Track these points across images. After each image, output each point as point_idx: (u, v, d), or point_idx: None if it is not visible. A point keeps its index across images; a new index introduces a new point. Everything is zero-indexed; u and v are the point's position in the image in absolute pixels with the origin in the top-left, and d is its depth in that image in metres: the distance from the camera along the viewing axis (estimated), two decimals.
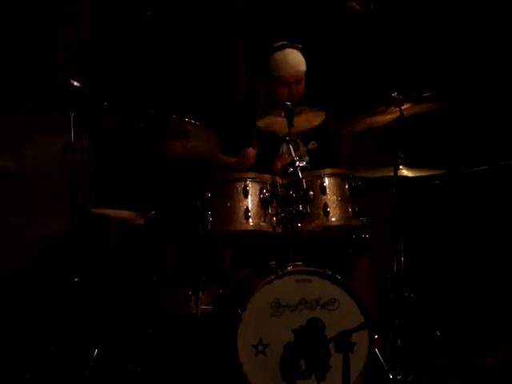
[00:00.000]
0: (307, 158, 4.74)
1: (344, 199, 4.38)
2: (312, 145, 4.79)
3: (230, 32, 6.21)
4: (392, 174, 4.52)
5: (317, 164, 4.69)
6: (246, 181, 4.33)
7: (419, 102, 4.50)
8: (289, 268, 4.16)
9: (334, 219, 4.35)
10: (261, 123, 4.53)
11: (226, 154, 4.81)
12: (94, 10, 5.65)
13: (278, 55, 4.84)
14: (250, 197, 4.32)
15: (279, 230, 4.32)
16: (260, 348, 4.06)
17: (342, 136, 5.09)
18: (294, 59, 4.84)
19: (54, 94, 4.61)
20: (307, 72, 4.87)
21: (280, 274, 4.13)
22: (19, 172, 5.40)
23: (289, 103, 4.40)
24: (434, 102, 4.54)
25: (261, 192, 4.33)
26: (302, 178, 4.24)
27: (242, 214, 4.30)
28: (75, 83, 4.58)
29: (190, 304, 4.36)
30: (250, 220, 4.29)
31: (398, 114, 4.49)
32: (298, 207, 4.25)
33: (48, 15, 5.51)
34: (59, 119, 4.78)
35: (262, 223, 4.31)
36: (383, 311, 4.51)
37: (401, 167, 4.57)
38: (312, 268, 4.19)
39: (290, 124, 4.37)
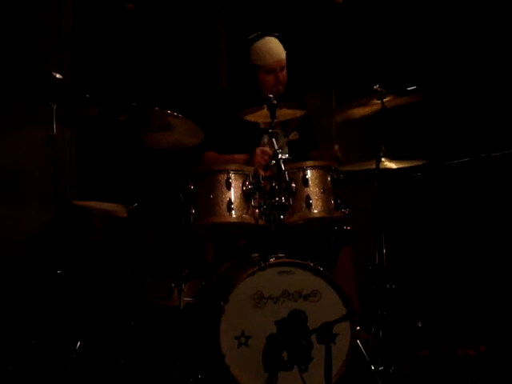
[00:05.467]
0: (286, 149, 4.76)
1: (326, 191, 4.39)
2: (293, 136, 4.82)
3: (212, 24, 6.21)
4: (374, 166, 4.53)
5: (301, 154, 4.71)
6: (228, 173, 4.33)
7: (402, 95, 4.52)
8: (271, 260, 4.17)
9: (316, 211, 4.36)
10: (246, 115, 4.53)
11: (211, 144, 4.80)
12: (77, 2, 5.63)
13: (260, 44, 4.87)
14: (232, 189, 4.32)
15: (262, 222, 4.32)
16: (242, 340, 4.07)
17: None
18: (276, 46, 4.88)
19: (36, 87, 4.60)
20: (289, 63, 4.90)
21: (262, 265, 4.14)
22: (0, 165, 5.38)
23: (271, 96, 4.41)
24: (416, 94, 4.56)
25: (243, 184, 4.33)
26: (285, 170, 4.25)
27: (224, 206, 4.30)
28: (57, 75, 4.57)
29: (172, 296, 4.36)
30: (233, 212, 4.29)
31: (379, 106, 4.50)
32: (281, 199, 4.26)
33: (30, 7, 5.49)
34: (41, 112, 4.77)
35: (245, 215, 4.31)
36: (365, 303, 4.53)
37: (382, 159, 4.58)
38: (294, 260, 4.20)
39: (273, 117, 4.37)
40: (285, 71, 4.89)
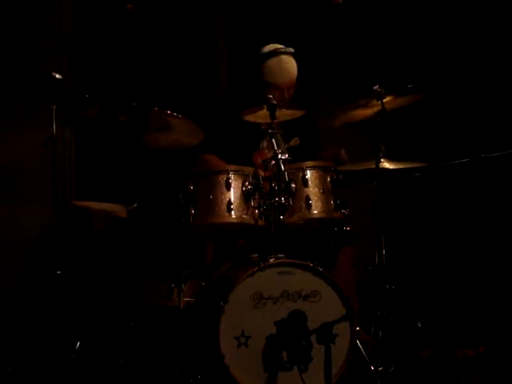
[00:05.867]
0: (287, 155, 4.75)
1: (326, 192, 4.40)
2: (294, 142, 4.83)
3: (212, 24, 6.21)
4: (373, 166, 4.54)
5: (302, 155, 4.71)
6: (228, 173, 4.33)
7: (401, 94, 4.53)
8: (271, 260, 4.17)
9: (315, 212, 4.37)
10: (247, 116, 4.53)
11: (211, 145, 4.80)
12: (76, 2, 5.63)
13: (274, 62, 4.84)
14: (232, 189, 4.32)
15: (261, 222, 4.33)
16: (242, 340, 4.08)
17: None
18: (290, 67, 4.85)
19: (36, 87, 4.60)
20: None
21: (262, 266, 4.14)
22: (0, 165, 5.38)
23: (271, 96, 4.41)
24: (416, 94, 4.57)
25: (243, 184, 4.34)
26: (285, 170, 4.26)
27: (224, 206, 4.30)
28: (57, 75, 4.57)
29: (172, 296, 4.37)
30: (233, 212, 4.30)
31: (379, 107, 4.51)
32: (281, 200, 4.26)
33: (30, 7, 5.49)
34: (41, 112, 4.77)
35: (245, 216, 4.32)
36: (365, 303, 4.53)
37: (382, 160, 4.59)
38: (294, 260, 4.20)
39: (273, 117, 4.38)
40: (292, 90, 4.88)
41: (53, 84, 4.54)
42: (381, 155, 4.55)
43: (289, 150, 4.80)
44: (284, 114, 4.47)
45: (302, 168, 4.40)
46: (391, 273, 4.52)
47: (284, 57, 4.85)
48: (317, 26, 6.17)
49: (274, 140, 4.37)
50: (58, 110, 4.58)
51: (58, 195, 4.64)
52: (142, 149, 4.62)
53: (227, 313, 4.06)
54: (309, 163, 4.43)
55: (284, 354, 4.07)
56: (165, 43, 5.99)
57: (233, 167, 4.39)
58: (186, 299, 4.32)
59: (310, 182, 4.39)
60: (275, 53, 4.85)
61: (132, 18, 5.17)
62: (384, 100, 4.49)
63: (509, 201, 5.65)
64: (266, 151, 4.76)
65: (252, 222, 4.32)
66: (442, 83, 5.84)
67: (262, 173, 4.39)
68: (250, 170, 4.38)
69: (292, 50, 4.86)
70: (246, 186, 4.33)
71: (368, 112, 4.58)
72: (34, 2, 5.53)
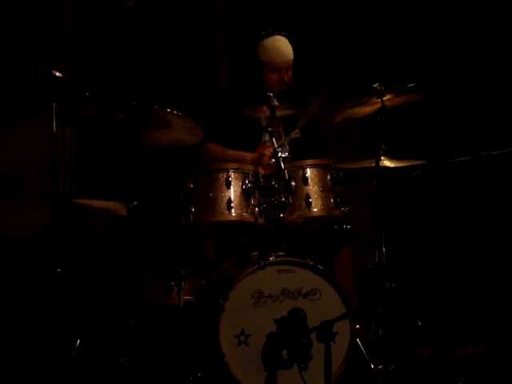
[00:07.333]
0: (287, 147, 4.76)
1: (326, 190, 4.40)
2: (295, 134, 4.83)
3: (212, 24, 6.21)
4: (373, 164, 4.54)
5: (302, 153, 4.70)
6: (228, 171, 4.34)
7: (401, 92, 4.53)
8: (271, 258, 4.18)
9: (315, 210, 4.37)
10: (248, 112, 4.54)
11: (213, 140, 4.81)
12: (77, 0, 5.64)
13: (269, 41, 4.88)
14: (232, 187, 4.33)
15: (261, 220, 4.33)
16: (242, 338, 4.08)
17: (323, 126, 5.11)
18: (285, 46, 4.89)
19: (36, 85, 4.60)
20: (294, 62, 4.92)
21: (262, 264, 4.14)
22: (1, 163, 5.39)
23: (271, 94, 4.42)
24: (416, 93, 4.57)
25: (243, 183, 4.35)
26: (285, 168, 4.26)
27: (224, 204, 4.31)
28: (57, 74, 4.57)
29: (172, 295, 4.37)
30: (233, 211, 4.30)
31: (379, 104, 4.51)
32: (281, 198, 4.26)
33: (29, 5, 5.50)
34: (41, 110, 4.77)
35: (245, 214, 4.32)
36: (365, 301, 4.53)
37: (382, 158, 4.59)
38: (294, 258, 4.21)
39: (273, 116, 4.38)
40: (290, 72, 4.90)
41: (53, 82, 4.54)
42: (381, 153, 4.55)
43: (290, 143, 4.81)
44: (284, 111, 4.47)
45: (302, 166, 4.40)
46: (391, 271, 4.52)
47: (278, 37, 4.89)
48: (318, 25, 6.17)
49: (274, 138, 4.37)
50: (58, 108, 4.58)
51: (58, 193, 4.64)
52: (142, 147, 4.62)
53: (227, 311, 4.07)
54: (309, 161, 4.44)
55: (284, 352, 4.07)
56: (165, 42, 5.99)
57: (233, 165, 4.39)
58: (185, 297, 4.33)
59: (309, 180, 4.39)
60: (269, 33, 4.89)
61: (132, 16, 5.17)
62: (384, 98, 4.49)
63: (509, 199, 5.65)
64: (269, 144, 4.74)
65: (252, 220, 4.33)
66: (442, 81, 5.84)
67: (261, 171, 4.39)
68: (249, 167, 4.39)
69: (286, 33, 4.90)
70: (246, 184, 4.34)
71: (368, 110, 4.58)
72: (34, 1, 5.53)
